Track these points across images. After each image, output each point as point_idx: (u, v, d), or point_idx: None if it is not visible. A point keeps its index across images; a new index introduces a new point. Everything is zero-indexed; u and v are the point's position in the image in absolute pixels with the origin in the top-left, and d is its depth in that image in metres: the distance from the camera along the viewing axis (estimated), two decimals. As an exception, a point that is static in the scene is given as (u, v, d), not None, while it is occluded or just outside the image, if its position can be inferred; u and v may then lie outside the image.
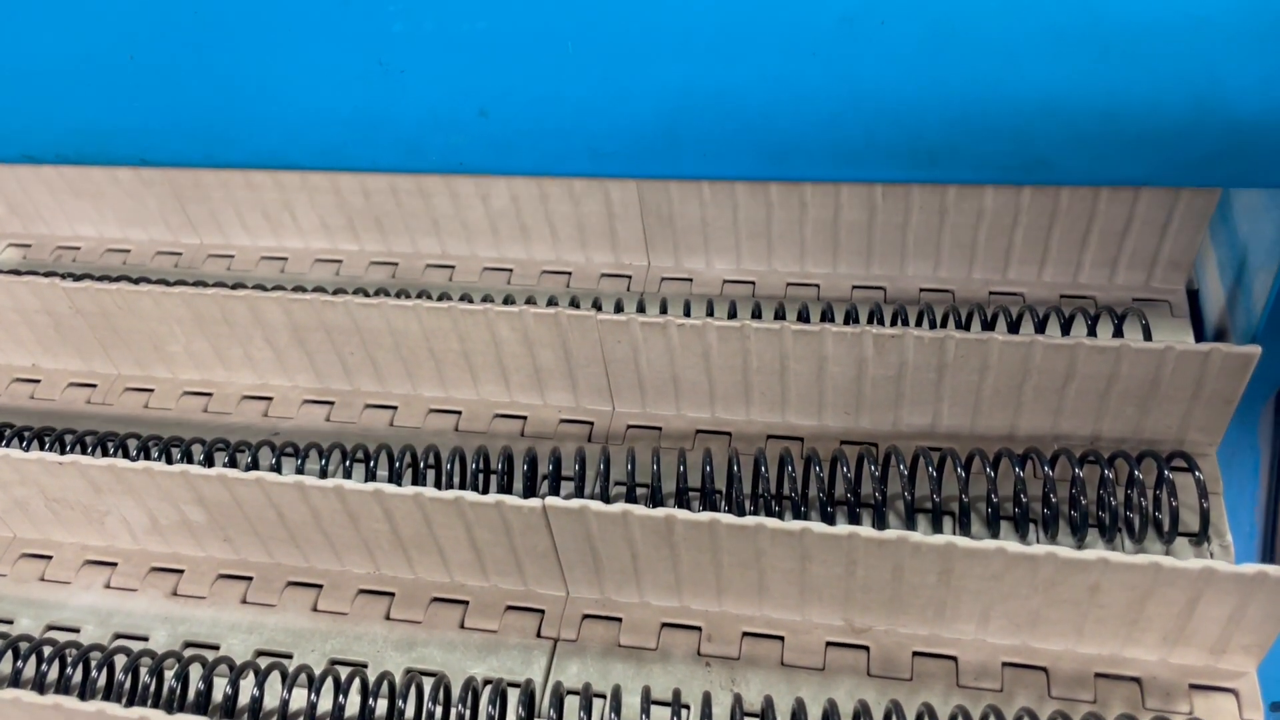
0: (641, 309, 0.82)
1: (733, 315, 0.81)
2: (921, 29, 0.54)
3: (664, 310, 0.82)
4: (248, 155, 0.70)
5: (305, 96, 0.65)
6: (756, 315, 0.81)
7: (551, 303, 0.82)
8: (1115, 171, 0.60)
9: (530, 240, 0.91)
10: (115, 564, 0.77)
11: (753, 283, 0.89)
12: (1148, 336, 0.74)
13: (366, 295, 0.86)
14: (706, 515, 0.62)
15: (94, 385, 0.89)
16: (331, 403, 0.85)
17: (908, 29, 0.54)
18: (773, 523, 0.61)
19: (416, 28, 0.60)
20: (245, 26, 0.62)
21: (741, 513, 0.71)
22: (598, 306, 0.81)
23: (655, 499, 0.72)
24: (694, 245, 0.88)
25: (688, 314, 0.82)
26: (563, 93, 0.61)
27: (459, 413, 0.83)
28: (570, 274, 0.92)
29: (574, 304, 0.82)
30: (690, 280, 0.90)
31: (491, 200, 0.89)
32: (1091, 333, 0.75)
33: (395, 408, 0.84)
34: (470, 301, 0.84)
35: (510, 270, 0.93)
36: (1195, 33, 0.52)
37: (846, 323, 0.79)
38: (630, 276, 0.91)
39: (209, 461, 0.77)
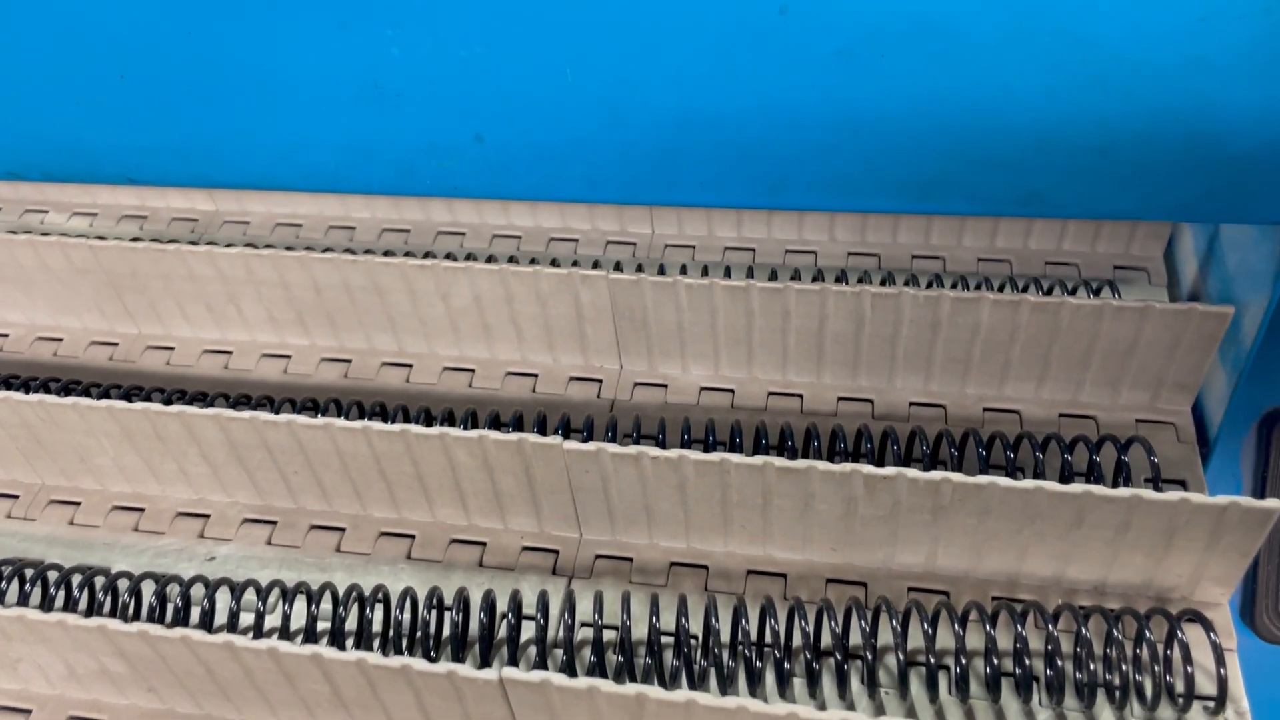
0: (613, 429, 0.76)
1: (709, 435, 0.76)
2: (919, 62, 0.53)
3: (637, 427, 0.76)
4: (239, 176, 0.68)
5: (299, 117, 0.63)
6: (736, 438, 0.75)
7: (515, 423, 0.76)
8: (1109, 206, 0.59)
9: (493, 340, 0.85)
10: (30, 710, 0.70)
11: (732, 390, 0.83)
12: (1157, 475, 0.69)
13: (314, 405, 0.80)
14: (682, 695, 0.55)
15: (15, 496, 0.82)
16: (274, 522, 0.78)
17: (905, 62, 0.53)
18: (755, 705, 0.55)
19: (413, 52, 0.58)
20: (239, 46, 0.60)
21: (720, 668, 0.65)
22: (563, 431, 0.75)
23: (625, 649, 0.66)
24: (669, 350, 0.83)
25: (662, 434, 0.76)
26: (559, 119, 0.60)
27: (412, 537, 0.76)
28: (536, 376, 0.85)
29: (539, 426, 0.77)
30: (665, 386, 0.84)
31: (452, 299, 0.83)
32: (1095, 466, 0.70)
33: (343, 530, 0.77)
34: (429, 416, 0.78)
35: (472, 371, 0.86)
36: (1191, 68, 0.52)
37: (832, 444, 0.74)
38: (601, 381, 0.85)
39: (134, 598, 0.70)
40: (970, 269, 0.89)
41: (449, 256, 0.89)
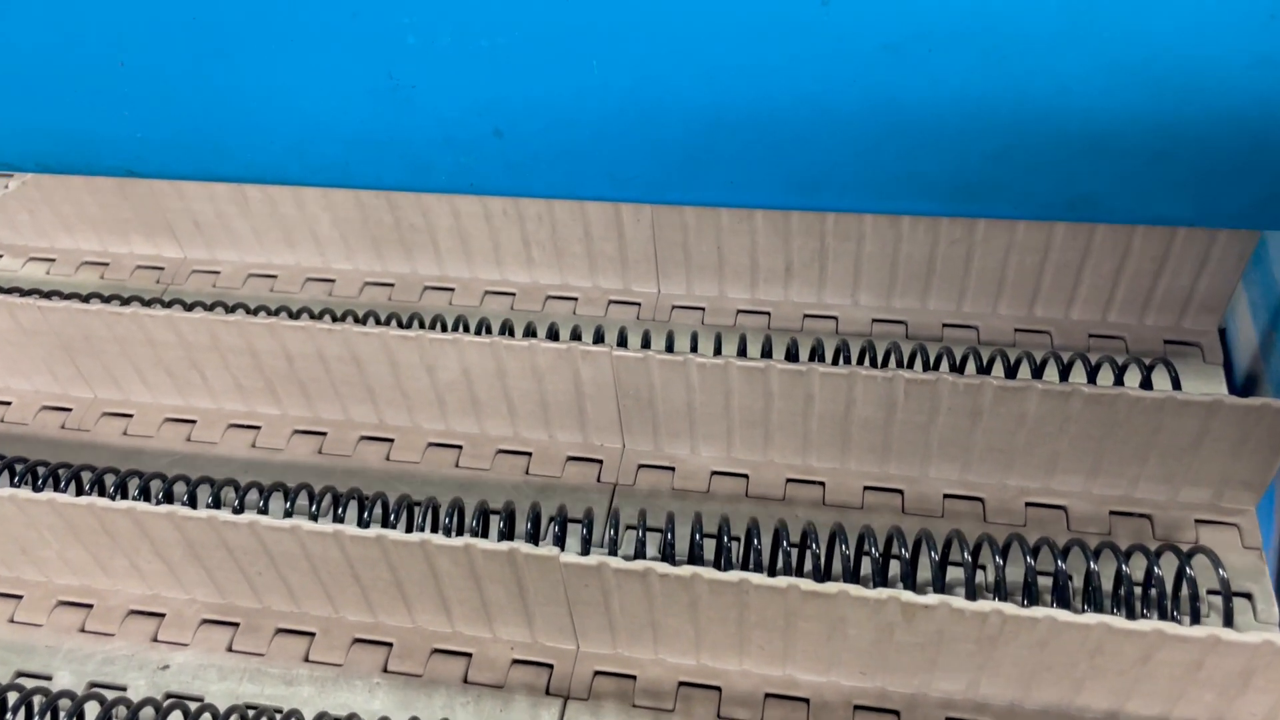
0: (615, 525, 0.68)
1: (723, 534, 0.68)
2: (970, 60, 0.50)
3: (643, 520, 0.68)
4: (244, 169, 0.63)
5: (308, 109, 0.59)
6: (754, 538, 0.67)
7: (507, 518, 0.69)
8: (1164, 211, 0.55)
9: (483, 415, 0.77)
10: (-47, 847, 0.62)
11: (746, 476, 0.75)
12: (1226, 589, 0.61)
13: (282, 490, 0.72)
14: None
15: (-50, 587, 0.74)
16: (236, 624, 0.70)
17: (955, 59, 0.50)
18: None
19: (431, 42, 0.54)
20: (246, 34, 0.56)
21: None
22: (560, 524, 0.67)
23: (628, 794, 0.59)
24: (678, 429, 0.75)
25: (670, 531, 0.68)
26: (584, 114, 0.56)
27: (390, 645, 0.68)
28: (530, 455, 0.78)
29: (533, 520, 0.69)
30: (672, 469, 0.76)
31: (438, 371, 0.75)
32: (1157, 580, 0.62)
33: (313, 635, 0.69)
34: (411, 505, 0.70)
35: (459, 448, 0.78)
36: (1259, 67, 0.48)
37: (860, 548, 0.66)
38: (601, 461, 0.77)
39: (75, 720, 0.62)
40: (1007, 339, 0.81)
41: (436, 320, 0.81)
